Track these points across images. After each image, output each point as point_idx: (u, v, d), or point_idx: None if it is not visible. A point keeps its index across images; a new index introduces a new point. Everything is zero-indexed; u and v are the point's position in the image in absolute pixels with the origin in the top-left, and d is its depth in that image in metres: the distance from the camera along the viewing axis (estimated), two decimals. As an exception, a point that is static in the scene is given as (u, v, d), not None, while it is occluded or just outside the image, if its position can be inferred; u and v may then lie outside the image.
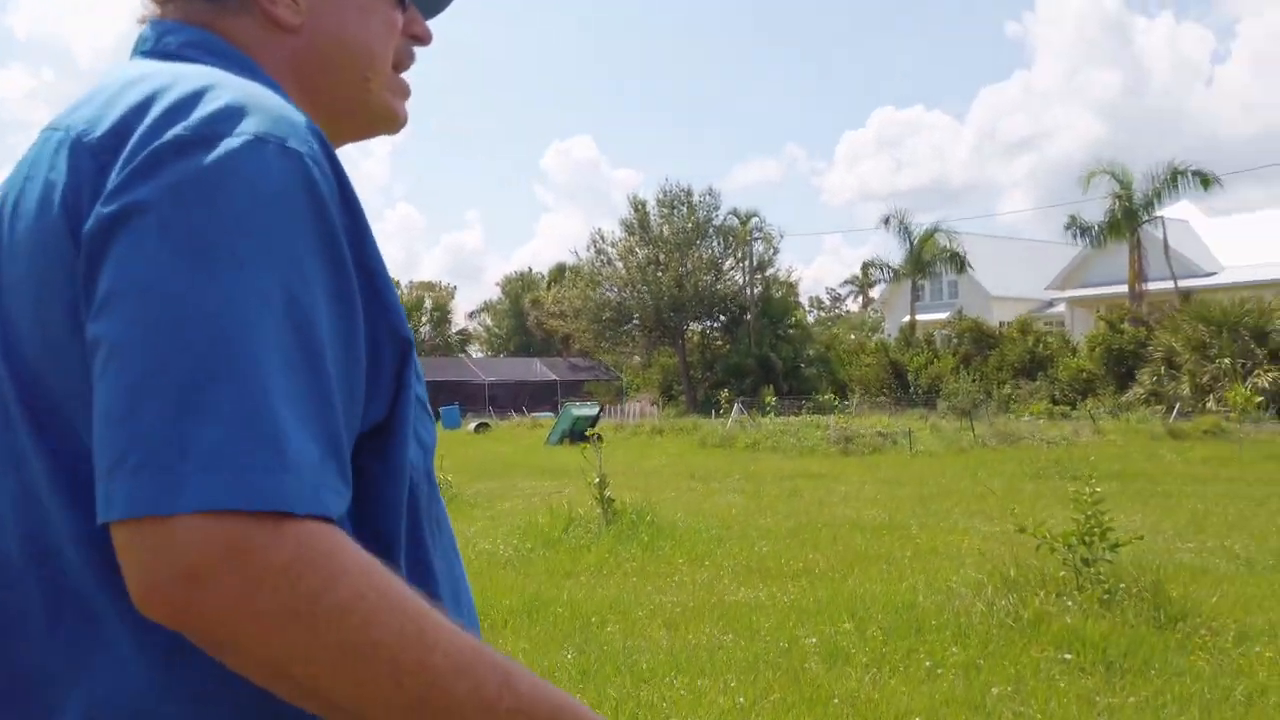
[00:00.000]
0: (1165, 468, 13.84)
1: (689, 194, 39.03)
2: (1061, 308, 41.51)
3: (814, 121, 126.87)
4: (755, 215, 40.01)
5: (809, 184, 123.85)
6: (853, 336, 43.70)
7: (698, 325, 40.48)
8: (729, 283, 38.84)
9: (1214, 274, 35.34)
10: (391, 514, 0.77)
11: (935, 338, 36.59)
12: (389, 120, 1.00)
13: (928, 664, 4.25)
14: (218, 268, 0.65)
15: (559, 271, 46.36)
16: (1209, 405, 24.74)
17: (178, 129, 0.70)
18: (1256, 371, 25.03)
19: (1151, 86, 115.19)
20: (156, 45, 0.86)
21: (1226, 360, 25.39)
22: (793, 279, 41.25)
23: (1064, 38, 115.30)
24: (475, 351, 57.53)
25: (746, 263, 38.58)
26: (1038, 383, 30.98)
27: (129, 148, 0.70)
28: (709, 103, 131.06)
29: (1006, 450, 17.45)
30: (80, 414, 0.70)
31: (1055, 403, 28.89)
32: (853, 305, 68.23)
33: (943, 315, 39.86)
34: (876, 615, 5.13)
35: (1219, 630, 4.69)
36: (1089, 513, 5.21)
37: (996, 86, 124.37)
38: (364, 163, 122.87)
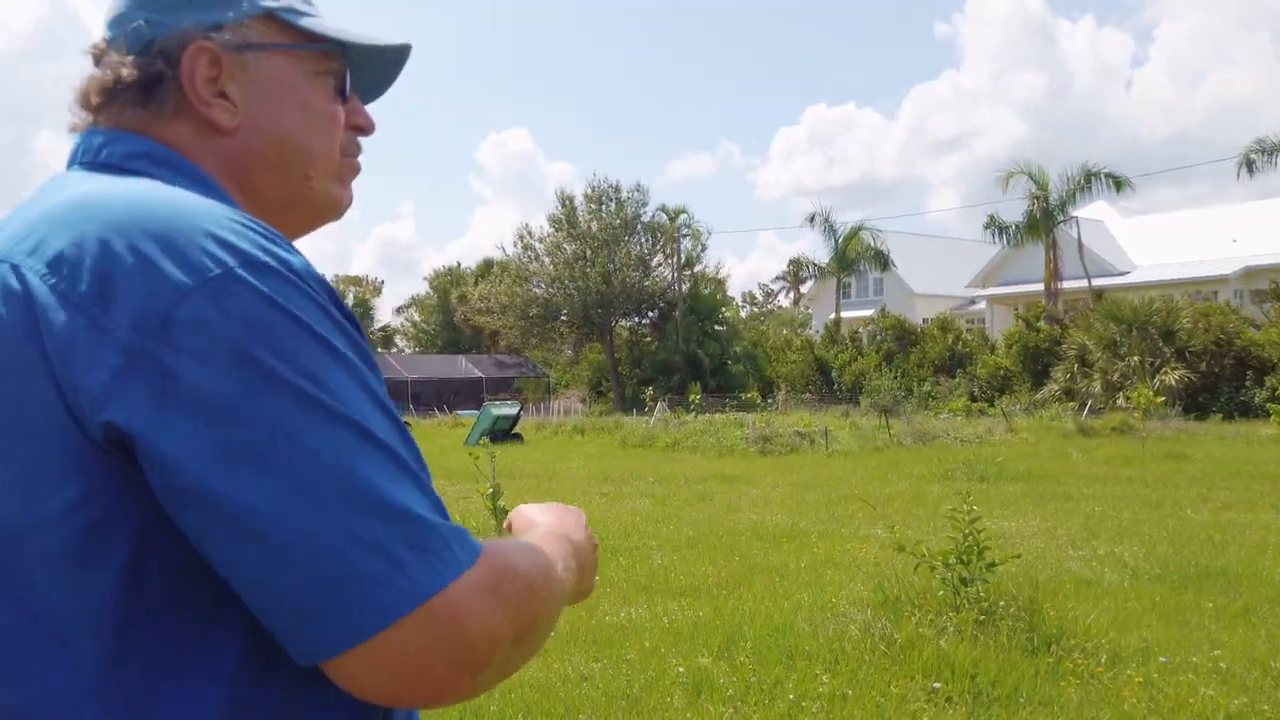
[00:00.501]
0: (1070, 467, 14.04)
1: (617, 190, 38.81)
2: (983, 305, 42.31)
3: (749, 118, 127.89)
4: (684, 211, 39.97)
5: (744, 180, 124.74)
6: (785, 332, 43.97)
7: (627, 322, 40.31)
8: (657, 279, 38.72)
9: (1127, 273, 36.29)
10: None
11: (860, 335, 36.95)
12: (333, 209, 1.01)
13: (792, 696, 4.09)
14: (319, 402, 0.70)
15: (486, 267, 45.80)
16: (1119, 402, 25.35)
17: (188, 275, 0.71)
18: (1164, 369, 25.71)
19: (1074, 89, 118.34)
20: (98, 157, 0.87)
21: (1136, 358, 26.07)
22: (721, 275, 41.35)
23: (991, 39, 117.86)
24: (403, 348, 56.66)
25: (675, 259, 38.50)
26: (957, 380, 31.47)
27: (126, 306, 0.70)
28: (646, 98, 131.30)
29: (921, 449, 17.59)
30: (46, 579, 0.72)
31: (974, 400, 29.36)
32: (785, 301, 68.87)
33: (869, 312, 40.32)
34: (752, 639, 4.97)
35: (1092, 652, 4.62)
36: (966, 530, 5.08)
37: (926, 86, 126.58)
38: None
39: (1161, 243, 37.70)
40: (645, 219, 39.05)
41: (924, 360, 33.11)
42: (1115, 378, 26.42)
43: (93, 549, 0.71)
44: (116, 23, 0.91)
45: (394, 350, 55.40)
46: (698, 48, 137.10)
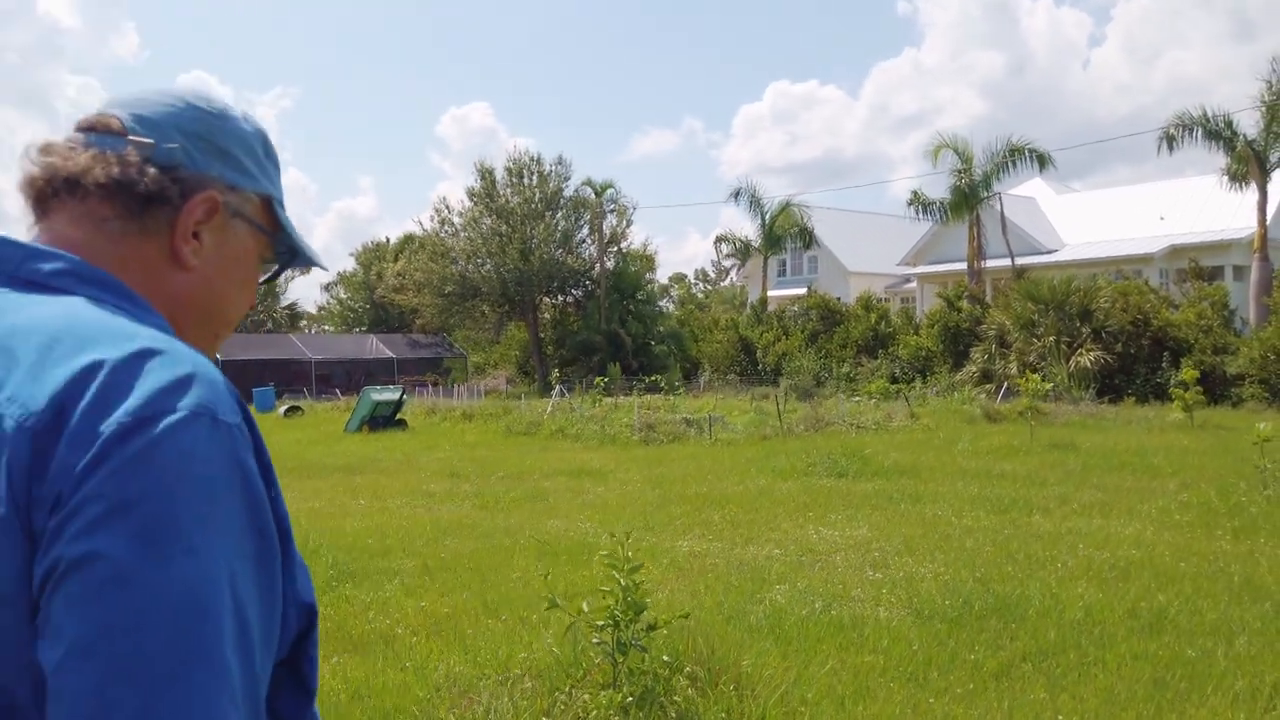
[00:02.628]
0: (946, 460, 13.18)
1: (538, 162, 37.46)
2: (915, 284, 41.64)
3: (712, 94, 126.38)
4: (610, 186, 38.75)
5: (707, 156, 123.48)
6: (711, 311, 43.00)
7: (551, 300, 39.09)
8: (580, 256, 37.50)
9: (1054, 251, 35.70)
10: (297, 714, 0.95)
11: (788, 314, 36.09)
12: (210, 357, 1.00)
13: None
14: (175, 554, 0.74)
15: (407, 242, 44.17)
16: (1048, 385, 24.69)
17: (118, 413, 0.76)
18: (1080, 350, 25.08)
19: (1033, 67, 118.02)
20: (33, 276, 0.89)
21: (1052, 339, 25.41)
22: (649, 251, 40.18)
23: (951, 17, 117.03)
24: (324, 328, 54.93)
25: (597, 235, 37.28)
26: (879, 361, 30.72)
27: (71, 432, 0.76)
28: (610, 72, 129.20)
29: (809, 438, 16.69)
30: (25, 700, 0.76)
31: (895, 381, 28.64)
32: (739, 279, 67.88)
33: (803, 291, 39.46)
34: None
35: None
36: (625, 582, 4.07)
37: (888, 63, 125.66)
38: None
39: (1091, 221, 37.18)
40: (568, 194, 37.75)
41: (847, 340, 32.32)
42: (1031, 359, 25.76)
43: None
44: (151, 127, 0.96)
45: (303, 329, 53.66)
46: (662, 21, 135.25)
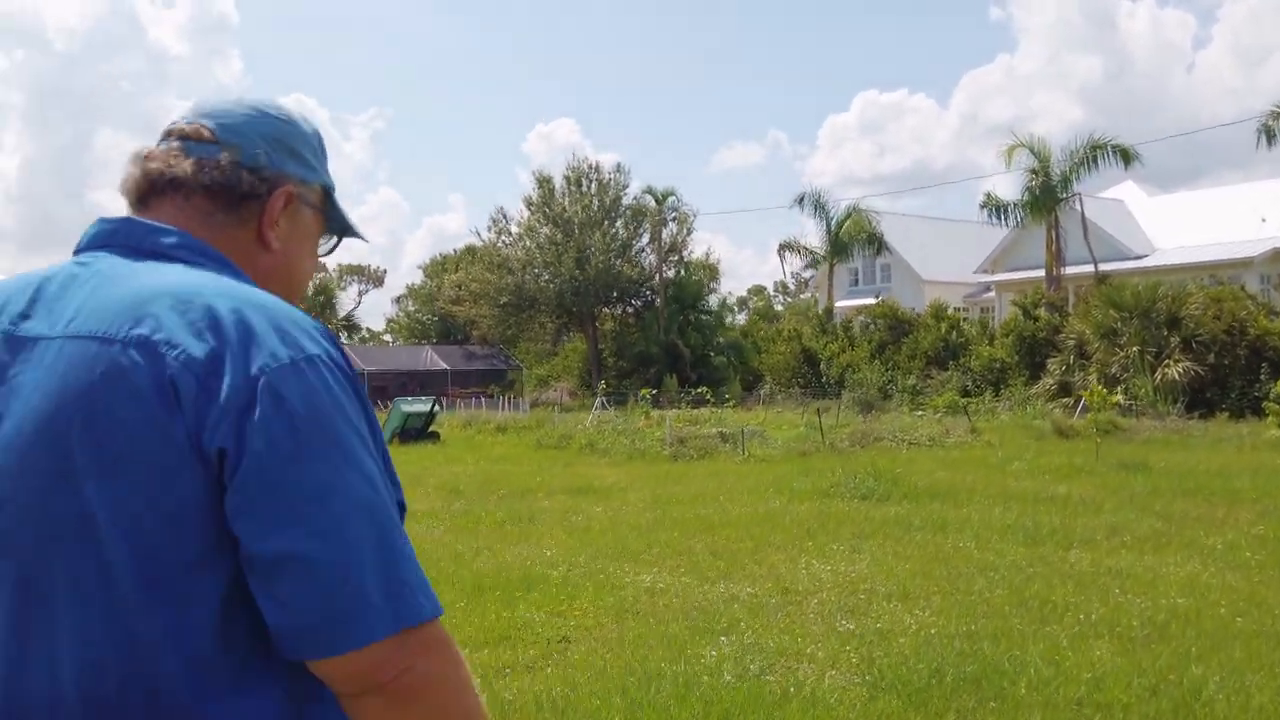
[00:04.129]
0: (994, 481, 11.77)
1: (597, 170, 36.67)
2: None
3: (798, 106, 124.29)
4: (672, 194, 37.76)
5: (792, 169, 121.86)
6: (778, 324, 41.60)
7: (611, 311, 38.20)
8: (635, 265, 36.51)
9: (1144, 256, 33.39)
10: None
11: (853, 325, 34.50)
12: None
13: None
14: (350, 464, 0.97)
15: (468, 253, 43.91)
16: (1117, 398, 22.75)
17: (263, 358, 0.97)
18: (1167, 361, 23.04)
19: (1133, 71, 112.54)
20: (164, 248, 1.09)
21: (1135, 349, 23.42)
22: (712, 261, 39.00)
23: (1047, 22, 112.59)
24: (390, 340, 55.09)
25: (656, 244, 36.28)
26: (949, 373, 28.96)
27: (230, 375, 0.95)
28: (693, 86, 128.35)
29: (852, 455, 15.36)
30: (189, 582, 0.95)
31: (966, 394, 26.91)
32: (810, 289, 66.11)
33: (873, 301, 37.79)
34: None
35: None
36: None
37: (980, 70, 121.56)
38: (345, 145, 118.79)
39: (1185, 224, 34.67)
40: (627, 202, 36.83)
41: (916, 351, 30.62)
42: (1113, 370, 23.79)
43: (215, 563, 0.97)
44: (238, 134, 1.16)
45: (359, 341, 53.79)
46: (747, 35, 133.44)
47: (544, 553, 7.95)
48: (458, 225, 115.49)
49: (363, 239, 1.38)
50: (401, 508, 1.05)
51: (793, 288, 78.01)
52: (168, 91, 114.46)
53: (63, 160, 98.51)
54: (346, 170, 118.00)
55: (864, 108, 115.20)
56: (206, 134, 1.15)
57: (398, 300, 56.63)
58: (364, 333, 56.32)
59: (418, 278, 57.10)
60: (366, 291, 60.65)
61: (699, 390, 22.79)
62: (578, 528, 9.22)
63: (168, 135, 1.16)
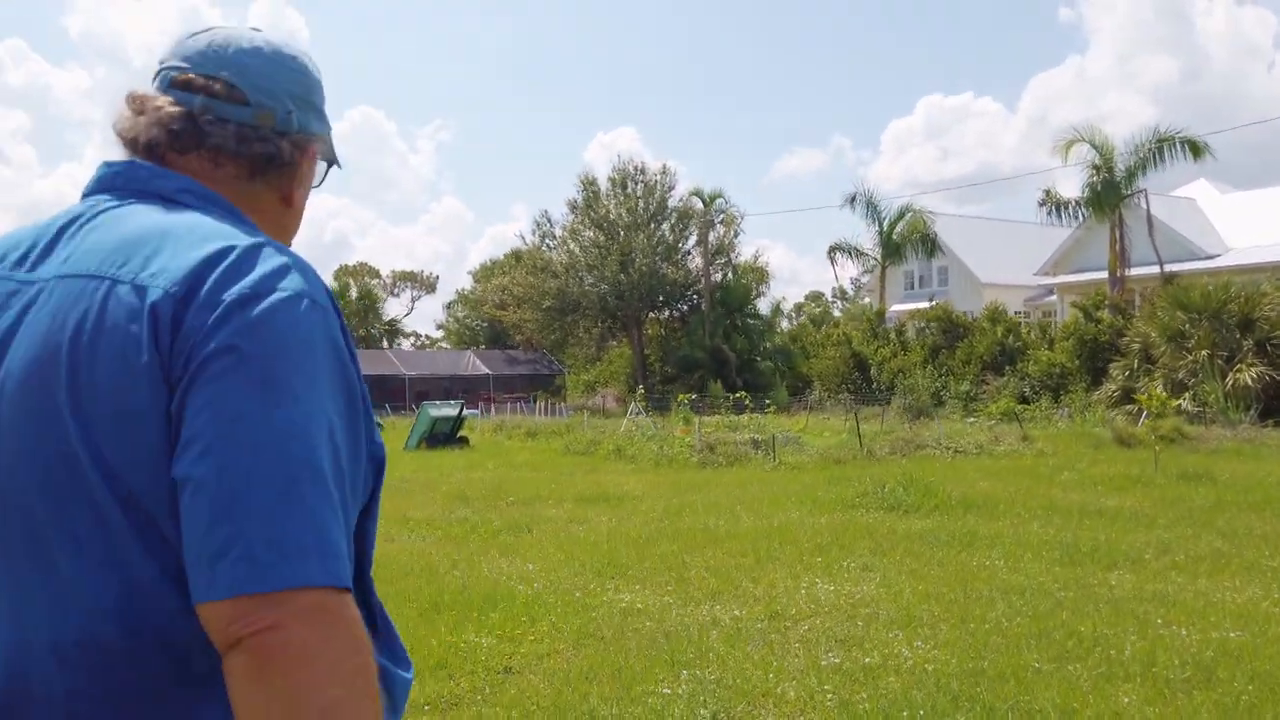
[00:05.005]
0: (1040, 492, 10.83)
1: (642, 172, 36.05)
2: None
3: (860, 110, 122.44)
4: (720, 195, 36.99)
5: (854, 174, 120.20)
6: (826, 327, 40.55)
7: (657, 315, 37.52)
8: (681, 268, 35.77)
9: (1216, 256, 31.68)
10: (363, 561, 1.06)
11: (907, 328, 33.34)
12: None
13: None
14: (283, 399, 0.91)
15: (514, 257, 43.57)
16: (1183, 405, 21.41)
17: (238, 286, 0.94)
18: (1239, 365, 21.61)
19: (1210, 71, 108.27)
20: (163, 190, 1.06)
21: (1205, 353, 22.01)
22: (760, 263, 38.07)
23: (1118, 22, 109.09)
24: (442, 345, 55.12)
25: (703, 247, 35.51)
26: (1005, 378, 27.71)
27: (200, 300, 0.93)
28: (755, 92, 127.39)
29: (891, 463, 14.48)
30: (173, 519, 0.91)
31: (1024, 401, 25.70)
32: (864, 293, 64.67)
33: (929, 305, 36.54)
34: None
35: None
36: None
37: (1049, 73, 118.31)
38: (411, 158, 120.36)
39: (1261, 222, 32.85)
40: (673, 203, 36.14)
41: (971, 356, 29.41)
42: (1180, 376, 22.41)
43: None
44: (269, 95, 1.11)
45: (400, 345, 53.67)
46: (809, 39, 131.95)
47: (525, 567, 7.31)
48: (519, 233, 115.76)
49: (339, 166, 1.31)
50: (377, 462, 1.04)
51: (851, 292, 76.68)
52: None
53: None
54: (412, 182, 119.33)
55: (928, 111, 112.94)
56: (237, 94, 1.09)
57: (448, 306, 56.68)
58: (411, 339, 56.46)
59: (467, 282, 57.09)
60: (419, 298, 60.95)
61: (738, 395, 21.94)
62: (573, 539, 8.57)
63: (186, 87, 1.09)
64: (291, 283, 0.96)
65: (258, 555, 0.86)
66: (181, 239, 0.97)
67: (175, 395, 0.91)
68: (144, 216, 1.01)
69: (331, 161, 1.28)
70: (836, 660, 4.68)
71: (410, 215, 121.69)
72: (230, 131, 1.08)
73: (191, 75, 1.09)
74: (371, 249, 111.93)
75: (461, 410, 20.05)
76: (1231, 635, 4.93)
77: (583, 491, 12.11)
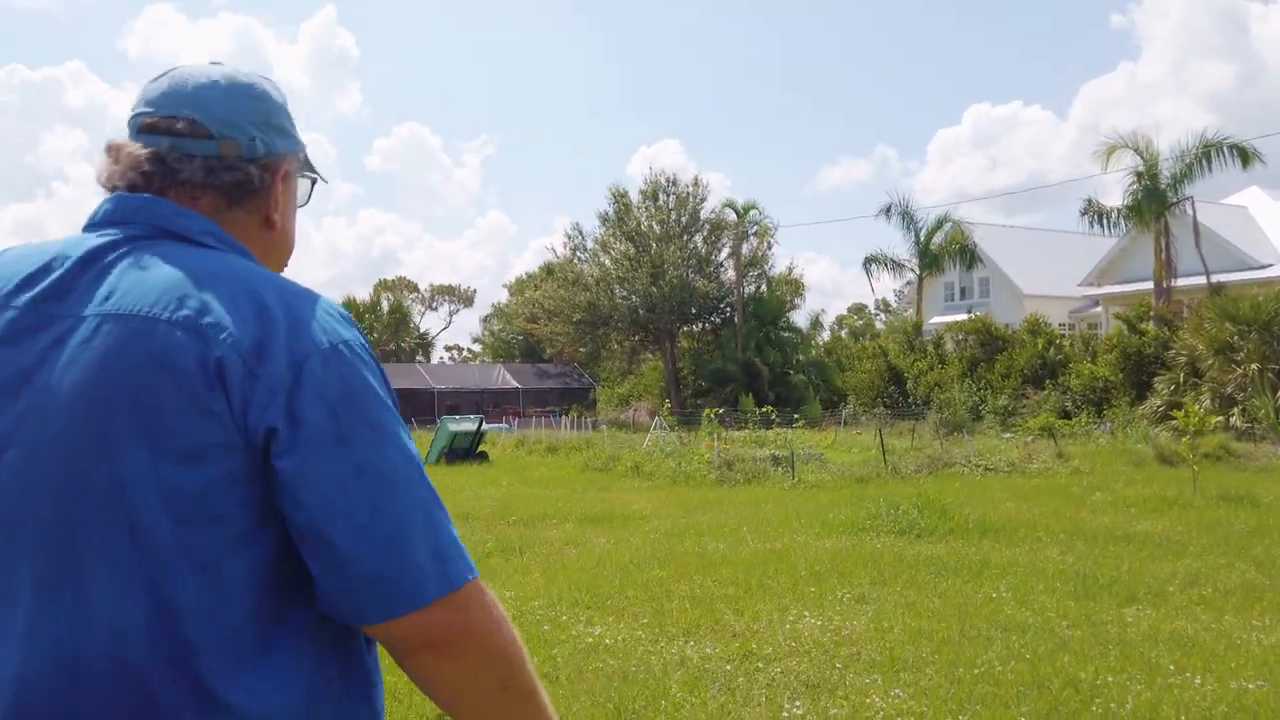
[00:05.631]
0: (1066, 514, 10.23)
1: (674, 183, 35.67)
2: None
3: (906, 120, 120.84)
4: (754, 207, 36.51)
5: (900, 185, 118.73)
6: (863, 340, 39.78)
7: (689, 328, 37.07)
8: (712, 280, 35.29)
9: (1269, 266, 30.52)
10: None
11: (945, 341, 32.55)
12: None
13: None
14: (388, 440, 1.03)
15: (546, 271, 43.38)
16: (1232, 420, 20.49)
17: (305, 344, 1.02)
18: (1291, 379, 20.63)
19: (1268, 76, 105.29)
20: (181, 229, 1.10)
21: (1255, 365, 21.07)
22: (795, 275, 37.46)
23: (1172, 28, 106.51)
24: (478, 358, 55.09)
25: (736, 259, 35.01)
26: (1046, 392, 26.84)
27: (272, 358, 0.99)
28: (798, 102, 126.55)
29: (916, 481, 13.90)
30: (228, 554, 0.99)
31: (1065, 416, 24.85)
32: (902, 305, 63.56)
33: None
34: None
35: None
36: None
37: (1100, 80, 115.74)
38: (456, 173, 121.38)
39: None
40: (705, 215, 35.70)
41: (1011, 369, 28.58)
42: (1229, 390, 21.48)
43: (253, 536, 1.01)
44: (231, 127, 1.14)
45: (432, 359, 53.70)
46: (853, 50, 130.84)
47: (501, 594, 6.92)
48: (563, 247, 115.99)
49: (323, 180, 1.34)
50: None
51: (894, 305, 75.63)
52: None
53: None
54: (458, 196, 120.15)
55: (975, 121, 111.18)
56: (201, 129, 1.13)
57: (485, 320, 56.74)
58: (454, 352, 56.52)
59: (503, 296, 57.10)
60: (457, 311, 61.15)
61: (765, 410, 21.41)
62: (562, 564, 8.17)
63: (152, 130, 1.13)
64: (349, 332, 1.06)
65: (429, 570, 1.01)
66: (225, 286, 1.03)
67: (283, 451, 0.98)
68: (182, 260, 1.05)
69: (314, 178, 1.32)
70: (800, 711, 4.22)
71: (455, 229, 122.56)
72: (198, 165, 1.12)
73: (156, 119, 1.13)
74: (418, 263, 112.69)
75: (481, 425, 19.77)
76: (1250, 686, 4.39)
77: (589, 510, 11.73)
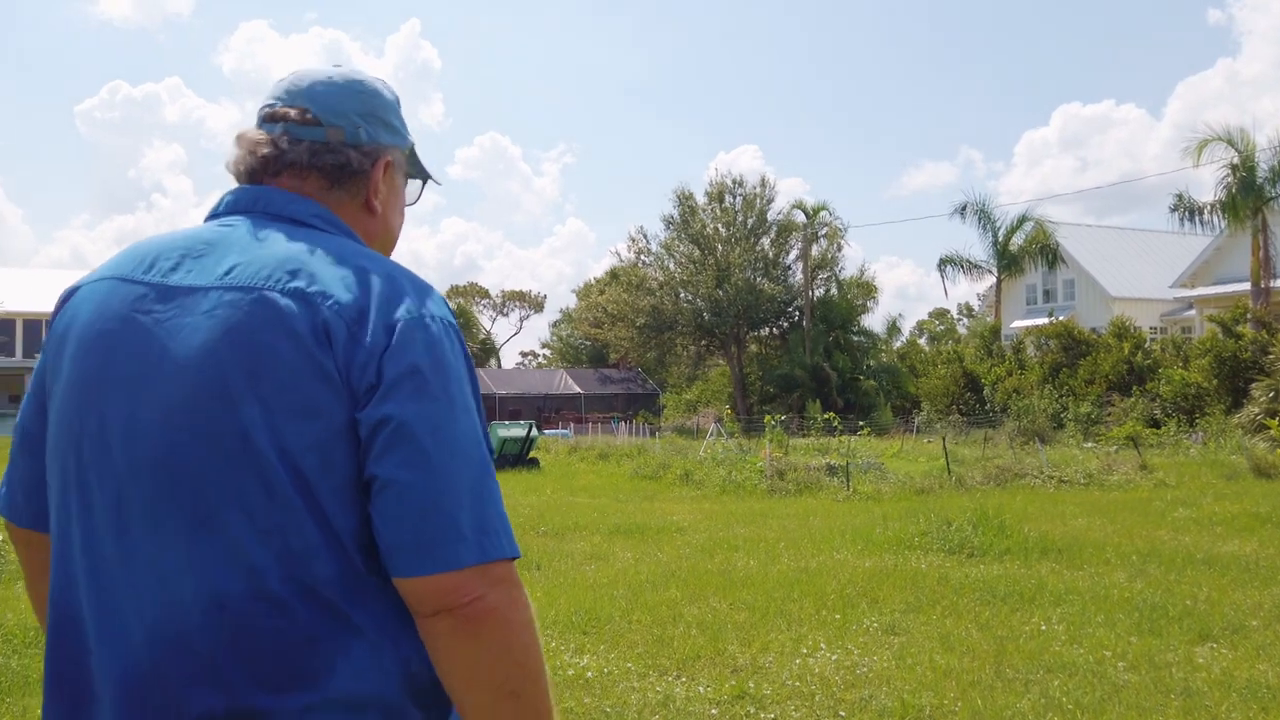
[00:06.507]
0: (1143, 533, 9.27)
1: (740, 185, 34.87)
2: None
3: (991, 122, 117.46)
4: (824, 208, 35.51)
5: (985, 187, 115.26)
6: (945, 345, 38.38)
7: (756, 333, 36.19)
8: (779, 283, 34.34)
9: (1381, 264, 28.30)
10: None
11: (1026, 345, 31.10)
12: None
13: None
14: (461, 412, 1.10)
15: (612, 275, 42.84)
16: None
17: (401, 312, 1.10)
18: (1407, 387, 18.94)
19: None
20: (290, 211, 1.22)
21: (1364, 372, 19.41)
22: (867, 277, 36.29)
23: (1273, 22, 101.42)
24: (547, 363, 54.96)
25: (804, 261, 34.04)
26: (1133, 399, 25.32)
27: (373, 323, 1.09)
28: (879, 107, 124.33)
29: (982, 493, 12.97)
30: (338, 502, 1.08)
31: (1154, 424, 23.36)
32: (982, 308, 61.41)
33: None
34: None
35: None
36: None
37: (1197, 77, 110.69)
38: (536, 181, 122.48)
39: None
40: (772, 217, 34.82)
41: (1095, 375, 27.08)
42: (1336, 397, 19.84)
43: (359, 488, 1.09)
44: (338, 116, 1.27)
45: (495, 364, 53.56)
46: (935, 52, 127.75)
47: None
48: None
49: (436, 182, 1.47)
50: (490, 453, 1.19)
51: (978, 309, 73.41)
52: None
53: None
54: (537, 204, 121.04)
55: (1064, 121, 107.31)
56: (310, 118, 1.25)
57: (554, 325, 56.64)
58: (522, 358, 56.39)
59: (572, 300, 56.98)
60: (527, 316, 61.23)
61: (827, 417, 20.54)
62: (575, 581, 7.60)
63: (271, 119, 1.26)
64: (440, 308, 1.15)
65: (468, 536, 1.05)
66: (332, 261, 1.13)
67: (367, 404, 1.06)
68: (292, 238, 1.16)
69: (425, 178, 1.44)
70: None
71: (535, 237, 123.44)
72: (304, 148, 1.24)
73: (275, 109, 1.27)
74: (498, 270, 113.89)
75: (530, 430, 19.33)
76: (1344, 757, 3.58)
77: (624, 522, 11.13)
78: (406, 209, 1.40)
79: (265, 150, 1.23)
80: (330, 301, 1.08)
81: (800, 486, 13.98)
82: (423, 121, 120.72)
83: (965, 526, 8.92)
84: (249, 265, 1.12)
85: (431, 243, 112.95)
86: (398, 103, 1.35)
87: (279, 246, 1.14)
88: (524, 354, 65.79)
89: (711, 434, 20.63)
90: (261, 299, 1.09)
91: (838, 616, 6.10)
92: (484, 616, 1.04)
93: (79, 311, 1.18)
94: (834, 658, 5.18)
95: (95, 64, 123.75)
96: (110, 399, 1.11)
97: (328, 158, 1.24)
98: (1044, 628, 5.71)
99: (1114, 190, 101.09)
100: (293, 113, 1.25)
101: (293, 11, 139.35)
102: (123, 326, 1.13)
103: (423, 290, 1.14)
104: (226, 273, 1.12)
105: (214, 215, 1.23)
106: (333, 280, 1.10)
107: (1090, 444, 20.74)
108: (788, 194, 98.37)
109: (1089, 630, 5.62)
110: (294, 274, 1.10)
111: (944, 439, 16.68)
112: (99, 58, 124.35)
